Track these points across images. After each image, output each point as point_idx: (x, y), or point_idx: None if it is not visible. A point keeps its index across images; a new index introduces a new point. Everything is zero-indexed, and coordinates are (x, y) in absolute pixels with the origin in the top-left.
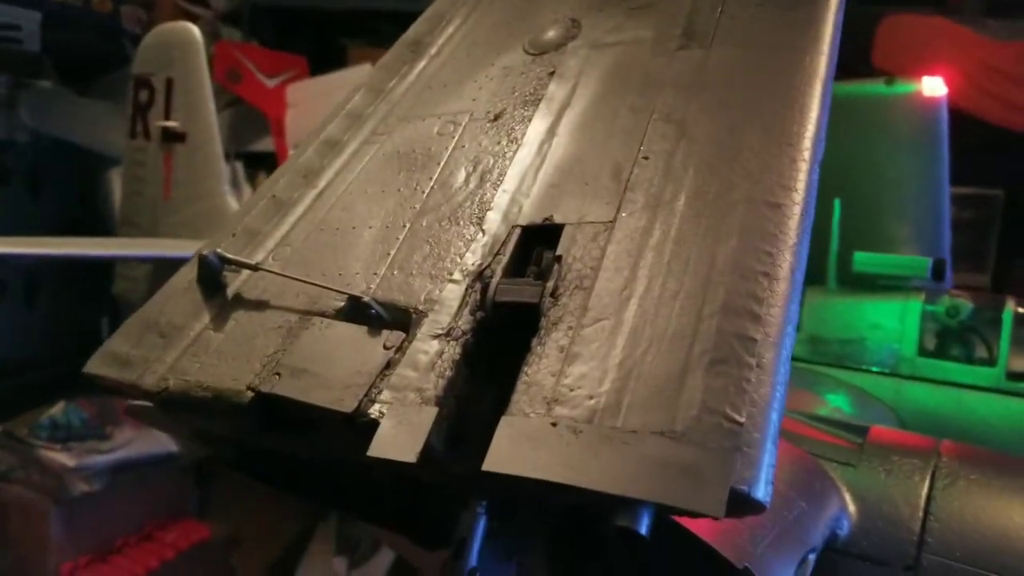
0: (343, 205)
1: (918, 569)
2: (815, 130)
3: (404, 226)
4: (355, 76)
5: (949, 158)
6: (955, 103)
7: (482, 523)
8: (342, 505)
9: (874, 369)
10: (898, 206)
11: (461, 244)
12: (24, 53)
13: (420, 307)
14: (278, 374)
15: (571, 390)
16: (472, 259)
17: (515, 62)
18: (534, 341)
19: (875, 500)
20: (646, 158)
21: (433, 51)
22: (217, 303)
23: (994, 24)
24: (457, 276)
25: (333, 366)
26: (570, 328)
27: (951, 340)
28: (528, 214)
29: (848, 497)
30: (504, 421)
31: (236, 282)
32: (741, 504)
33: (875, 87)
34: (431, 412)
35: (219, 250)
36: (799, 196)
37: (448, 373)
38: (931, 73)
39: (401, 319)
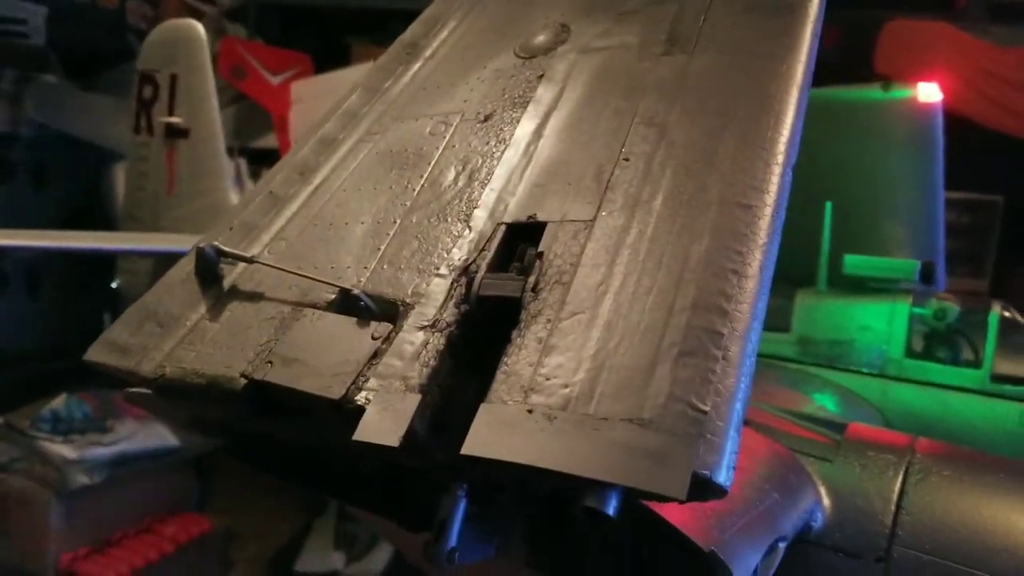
0: (337, 201)
1: (889, 561)
2: (789, 135)
3: (395, 222)
4: (359, 74)
5: (949, 163)
6: (956, 108)
7: (462, 506)
8: (330, 490)
9: (862, 370)
10: (892, 210)
11: (448, 240)
12: (30, 47)
13: (408, 300)
14: (270, 362)
15: (547, 379)
16: (458, 255)
17: (506, 65)
18: (514, 333)
19: (849, 494)
20: (627, 160)
21: (428, 53)
22: (213, 294)
23: (996, 30)
24: (444, 271)
25: (323, 355)
26: (549, 321)
27: (938, 342)
28: (513, 212)
29: (823, 491)
30: (483, 408)
31: (232, 274)
32: (703, 488)
33: (871, 92)
34: (415, 399)
35: (216, 243)
36: (770, 198)
37: (432, 363)
38: (932, 78)
39: (389, 311)
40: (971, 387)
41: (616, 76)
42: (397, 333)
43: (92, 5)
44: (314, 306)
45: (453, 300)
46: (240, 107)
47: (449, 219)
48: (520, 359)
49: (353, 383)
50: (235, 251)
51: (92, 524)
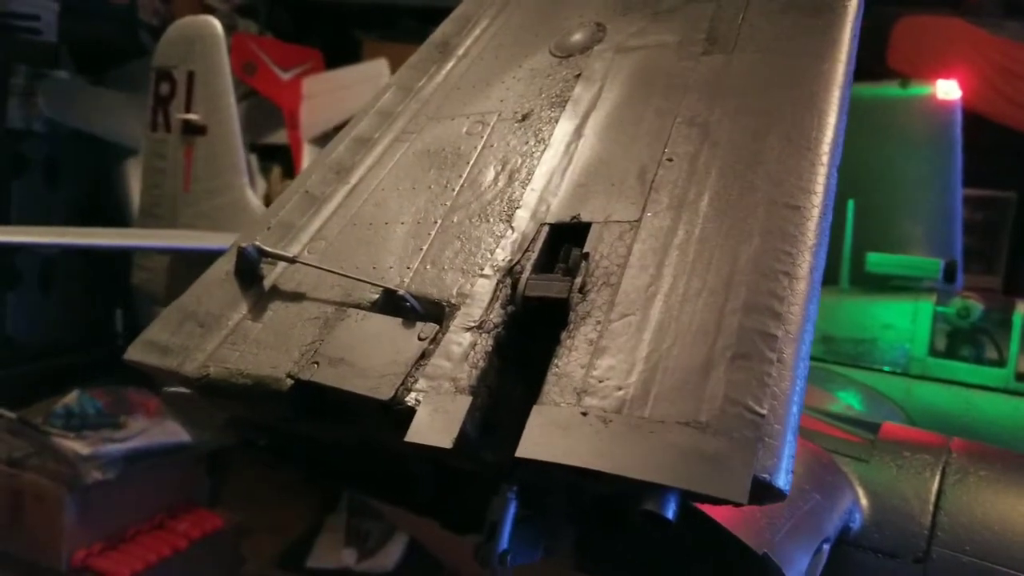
0: (375, 201)
1: (928, 562)
2: (833, 135)
3: (435, 222)
4: (370, 70)
5: (962, 159)
6: (970, 105)
7: (513, 508)
8: (374, 491)
9: (885, 369)
10: (910, 208)
11: (491, 240)
12: (42, 43)
13: (453, 300)
14: (316, 363)
15: (600, 381)
16: (502, 255)
17: (542, 64)
18: (563, 335)
19: (886, 494)
20: (670, 160)
21: (461, 52)
22: (254, 294)
23: (1011, 25)
24: (488, 271)
25: (369, 356)
26: (598, 322)
27: (962, 341)
28: (556, 212)
29: (860, 491)
30: (536, 410)
31: (273, 274)
32: (763, 492)
33: (890, 89)
34: (466, 400)
35: (257, 243)
36: (818, 199)
37: (481, 364)
38: (946, 75)
39: (434, 312)
40: (995, 386)
41: (655, 75)
42: (444, 334)
43: (104, 1)
44: (358, 306)
45: (499, 301)
46: (251, 103)
47: (491, 219)
48: (571, 361)
49: (402, 384)
50: (276, 251)
51: (105, 520)
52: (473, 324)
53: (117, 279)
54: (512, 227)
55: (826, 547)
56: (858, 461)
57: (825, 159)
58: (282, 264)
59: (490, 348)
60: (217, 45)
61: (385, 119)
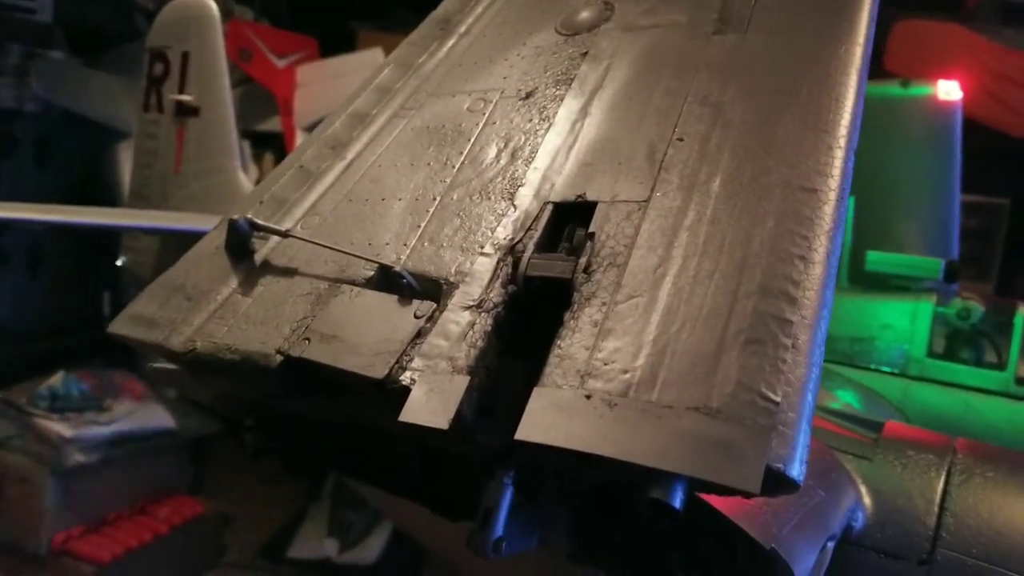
0: (372, 177)
1: (932, 563)
2: (851, 118)
3: (434, 199)
4: (365, 59)
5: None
6: (966, 110)
7: (509, 494)
8: (363, 474)
9: (883, 369)
10: (910, 207)
11: (492, 219)
12: (36, 23)
13: (451, 279)
14: (307, 339)
15: (605, 364)
16: (503, 233)
17: (547, 42)
18: (567, 315)
19: (890, 493)
20: (681, 139)
21: (463, 29)
22: (245, 268)
23: (1007, 32)
24: (488, 250)
25: (363, 333)
26: (604, 304)
27: (961, 343)
28: (560, 191)
29: (863, 489)
30: (537, 392)
31: (264, 249)
32: (776, 482)
33: (891, 88)
34: (463, 380)
35: (249, 216)
36: (835, 182)
37: (479, 344)
38: (943, 79)
39: (432, 290)
40: (995, 389)
41: (665, 54)
42: (441, 312)
43: None
44: (352, 283)
45: (499, 280)
46: (245, 89)
47: (492, 197)
48: (575, 342)
49: (396, 362)
50: (269, 224)
51: (87, 503)
52: (472, 303)
53: (105, 261)
54: (514, 205)
55: (831, 544)
56: (861, 459)
57: (842, 142)
58: (274, 239)
59: (489, 328)
60: (212, 26)
61: (384, 95)
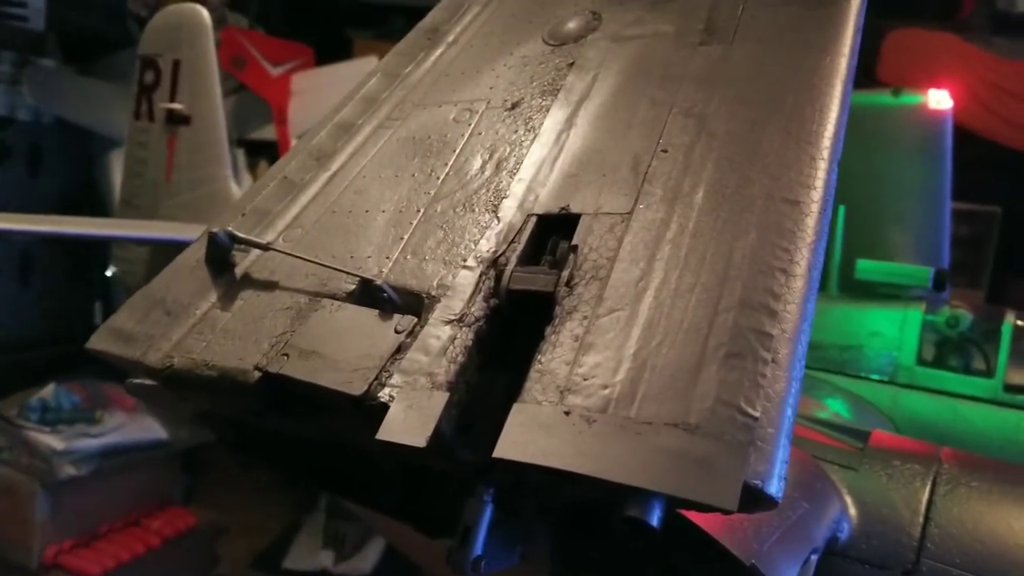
0: (356, 188)
1: (917, 574)
2: (834, 129)
3: (418, 211)
4: (361, 68)
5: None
6: (957, 119)
7: (488, 511)
8: (345, 491)
9: (872, 377)
10: (900, 216)
11: (476, 231)
12: (29, 31)
13: (433, 292)
14: (286, 355)
15: (585, 379)
16: (486, 246)
17: (534, 52)
18: (548, 330)
19: (876, 504)
20: (665, 151)
21: (451, 39)
22: (225, 282)
23: (999, 41)
24: (471, 263)
25: (343, 348)
26: (585, 318)
27: (950, 350)
28: (544, 203)
29: (849, 500)
30: (516, 408)
31: (245, 262)
32: (754, 499)
33: (882, 97)
34: (442, 397)
35: (229, 229)
36: (817, 194)
37: (460, 359)
38: (935, 88)
39: (413, 304)
40: (983, 397)
41: (652, 65)
42: (422, 327)
43: None
44: (333, 297)
45: (481, 294)
46: (239, 97)
47: (476, 209)
48: (555, 357)
49: (375, 379)
50: (249, 237)
51: (78, 516)
52: (453, 317)
53: (96, 271)
54: (498, 217)
55: (814, 558)
56: (847, 469)
57: (826, 153)
58: (255, 252)
59: (470, 343)
60: (204, 34)
61: (369, 105)
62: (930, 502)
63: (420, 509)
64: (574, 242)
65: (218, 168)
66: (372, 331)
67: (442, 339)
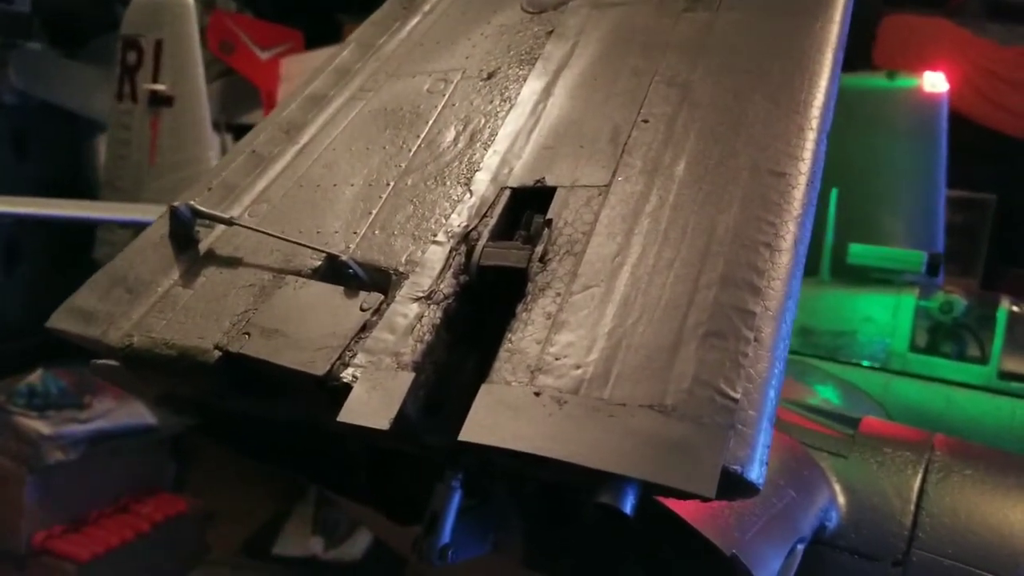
0: (325, 162)
1: (907, 564)
2: (824, 99)
3: (388, 185)
4: None
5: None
6: (953, 105)
7: (457, 497)
8: (311, 474)
9: (864, 363)
10: (894, 200)
11: (447, 205)
12: (14, 13)
13: (401, 268)
14: (248, 333)
15: (557, 359)
16: (458, 220)
17: (512, 20)
18: (519, 307)
19: (866, 492)
20: (646, 121)
21: (427, 8)
22: (188, 259)
23: (994, 27)
24: (441, 237)
25: (306, 327)
26: (558, 295)
27: (943, 337)
28: (519, 176)
29: (838, 488)
30: (484, 389)
31: (210, 238)
32: (733, 486)
33: (876, 80)
34: (407, 378)
35: (192, 203)
36: (805, 166)
37: (427, 338)
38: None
39: (380, 280)
40: (977, 383)
41: (634, 33)
42: (389, 304)
43: None
44: (297, 273)
45: (451, 270)
46: (227, 81)
47: (448, 182)
48: (526, 336)
49: (339, 358)
50: (212, 212)
51: (67, 501)
52: (421, 294)
53: (82, 257)
54: (471, 191)
55: (800, 547)
56: (836, 456)
57: (814, 123)
58: (220, 227)
59: (438, 321)
60: (186, 14)
61: (342, 76)
62: (922, 491)
63: (391, 495)
64: (549, 216)
65: (201, 150)
66: (337, 309)
67: (409, 317)
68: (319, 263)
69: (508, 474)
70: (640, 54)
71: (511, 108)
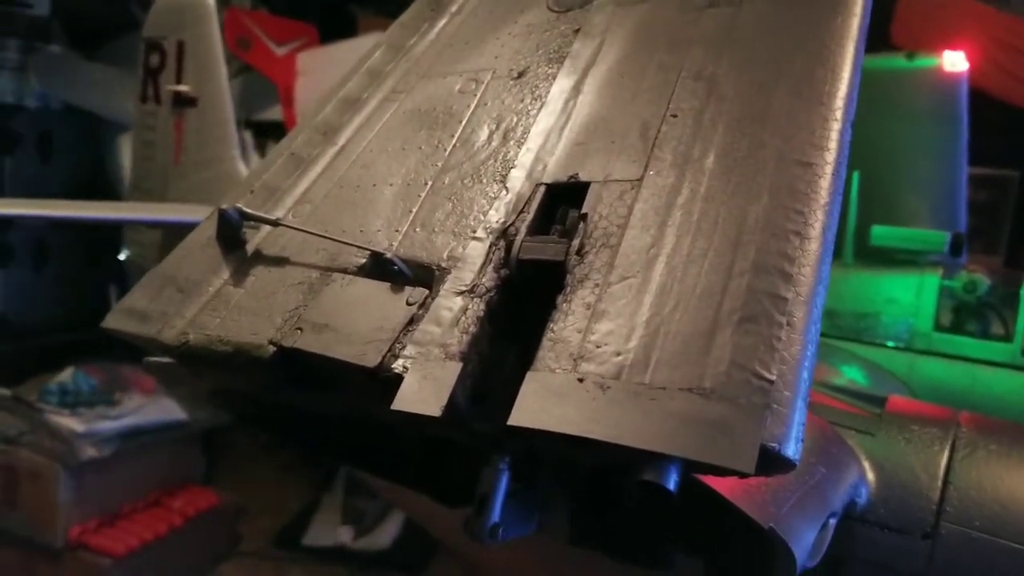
0: (363, 162)
1: (936, 537)
2: (847, 90)
3: (426, 184)
4: (366, 45)
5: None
6: (974, 82)
7: (504, 479)
8: (363, 464)
9: (889, 344)
10: (916, 181)
11: (484, 202)
12: (33, 17)
13: (443, 264)
14: (300, 329)
15: (598, 347)
16: (496, 217)
17: (539, 19)
18: (560, 298)
19: (894, 468)
20: (675, 116)
21: (454, 8)
22: (236, 259)
23: (1017, 1)
24: (481, 234)
25: (355, 321)
26: (596, 285)
27: (967, 315)
28: (553, 172)
29: (867, 465)
30: (530, 376)
31: (256, 238)
32: (771, 462)
33: (896, 60)
34: (455, 367)
35: (239, 205)
36: (831, 155)
37: (472, 329)
38: (951, 50)
39: (424, 276)
40: (1002, 361)
41: (659, 29)
42: (433, 299)
43: None
44: (344, 271)
45: (492, 264)
46: (245, 78)
47: (484, 180)
48: (567, 325)
49: (389, 350)
50: (259, 214)
51: (101, 497)
52: (464, 288)
53: (111, 254)
54: (506, 188)
55: (832, 521)
56: (864, 434)
57: (839, 114)
58: (266, 228)
59: (482, 313)
60: (207, 15)
61: (374, 78)
62: (949, 466)
63: (438, 480)
64: (583, 210)
65: (226, 149)
66: (384, 304)
67: (454, 310)
68: (364, 261)
69: (552, 458)
70: (666, 50)
71: (542, 106)
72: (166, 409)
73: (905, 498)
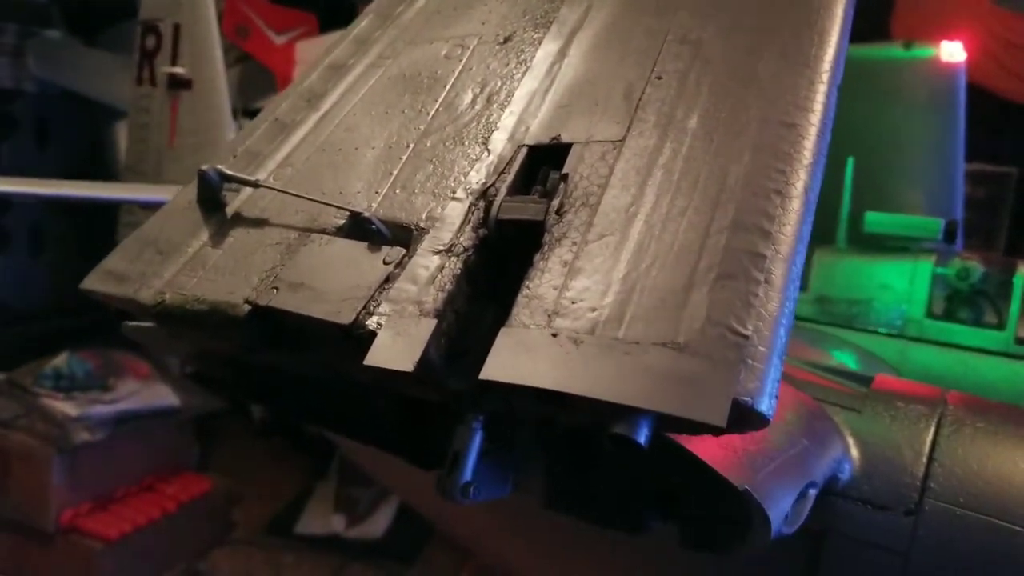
0: (346, 126)
1: (919, 514)
2: (834, 53)
3: (408, 146)
4: None
5: (965, 126)
6: (973, 77)
7: (478, 437)
8: (338, 426)
9: (881, 330)
10: (912, 169)
11: (465, 164)
12: (32, 2)
13: (422, 224)
14: (276, 288)
15: (573, 303)
16: (476, 178)
17: None
18: (537, 256)
19: (878, 445)
20: (659, 78)
21: None
22: (216, 221)
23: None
24: (460, 194)
25: (331, 280)
26: (574, 243)
27: (960, 303)
28: (535, 134)
29: (851, 441)
30: (503, 332)
31: (236, 201)
32: (744, 417)
33: (893, 50)
34: (429, 324)
35: (219, 167)
36: (815, 117)
37: (448, 287)
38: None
39: (402, 236)
40: (994, 349)
41: None
42: (410, 258)
43: None
44: (322, 231)
45: (471, 224)
46: (244, 67)
47: (466, 142)
48: (543, 283)
49: (363, 308)
50: (239, 175)
51: (94, 481)
52: (442, 247)
53: (106, 240)
54: (488, 150)
55: (812, 492)
56: (850, 411)
57: (824, 76)
58: (246, 190)
59: (459, 272)
60: None
61: (361, 45)
62: (934, 442)
63: (414, 443)
64: (565, 171)
65: (221, 132)
66: (361, 263)
67: (430, 268)
68: (343, 221)
69: (528, 417)
70: (653, 14)
71: (527, 70)
72: (160, 395)
73: (889, 474)
